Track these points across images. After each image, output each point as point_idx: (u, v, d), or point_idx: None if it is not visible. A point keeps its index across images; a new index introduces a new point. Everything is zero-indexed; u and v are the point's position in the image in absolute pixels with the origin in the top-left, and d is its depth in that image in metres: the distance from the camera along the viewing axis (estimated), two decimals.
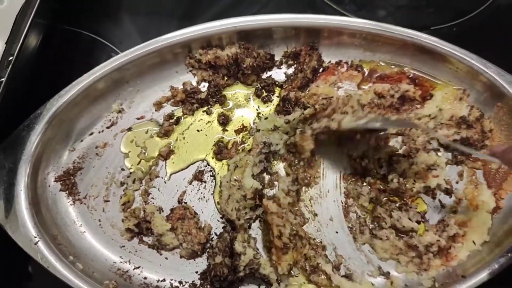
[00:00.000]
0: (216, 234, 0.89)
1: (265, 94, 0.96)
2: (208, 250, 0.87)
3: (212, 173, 0.93)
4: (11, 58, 0.82)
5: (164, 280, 0.86)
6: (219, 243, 0.85)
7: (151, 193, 0.92)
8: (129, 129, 0.95)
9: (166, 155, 0.93)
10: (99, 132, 0.94)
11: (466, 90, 0.93)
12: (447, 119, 0.91)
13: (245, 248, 0.83)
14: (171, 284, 0.86)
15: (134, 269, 0.87)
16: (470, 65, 0.89)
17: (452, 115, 0.91)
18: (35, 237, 0.82)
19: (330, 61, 0.97)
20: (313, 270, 0.85)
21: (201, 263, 0.87)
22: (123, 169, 0.93)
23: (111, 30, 1.04)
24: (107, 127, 0.95)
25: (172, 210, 0.90)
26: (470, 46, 0.88)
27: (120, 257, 0.88)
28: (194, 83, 0.97)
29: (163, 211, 0.90)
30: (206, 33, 0.91)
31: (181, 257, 0.88)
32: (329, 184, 0.91)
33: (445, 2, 1.03)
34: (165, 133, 0.94)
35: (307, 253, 0.86)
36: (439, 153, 0.90)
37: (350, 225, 0.89)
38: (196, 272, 0.86)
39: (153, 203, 0.91)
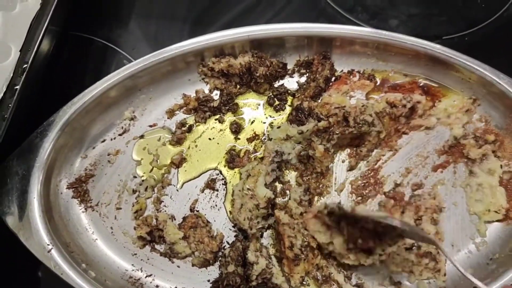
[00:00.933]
0: (228, 243, 0.89)
1: (277, 103, 0.96)
2: (220, 259, 0.88)
3: (224, 181, 0.93)
4: (25, 65, 0.82)
5: None
6: (232, 252, 0.85)
7: (163, 201, 0.92)
8: (142, 136, 0.95)
9: (178, 163, 0.93)
10: (111, 139, 0.95)
11: (477, 100, 0.93)
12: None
13: (258, 258, 0.83)
14: None
15: (146, 277, 0.87)
16: (483, 75, 0.88)
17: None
18: (48, 244, 0.82)
19: (342, 70, 0.97)
20: (325, 279, 0.86)
21: (213, 271, 0.87)
22: (135, 177, 0.93)
23: (123, 36, 1.04)
24: (119, 135, 0.95)
25: (184, 218, 0.90)
26: (482, 55, 0.89)
27: (132, 265, 0.88)
28: (207, 91, 0.97)
29: (175, 219, 0.90)
30: (219, 42, 0.91)
31: (193, 265, 0.88)
32: (341, 193, 0.92)
33: (457, 12, 1.03)
34: (178, 141, 0.94)
35: (319, 263, 0.86)
36: None
37: None
38: (208, 281, 0.87)
39: (165, 211, 0.91)
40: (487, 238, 0.89)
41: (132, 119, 0.95)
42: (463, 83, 0.92)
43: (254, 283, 0.82)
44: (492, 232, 0.89)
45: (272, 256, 0.88)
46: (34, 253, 0.81)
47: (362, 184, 0.92)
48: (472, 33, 1.01)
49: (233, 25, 0.93)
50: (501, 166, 0.89)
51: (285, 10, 1.04)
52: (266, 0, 1.05)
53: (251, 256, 0.83)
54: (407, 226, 0.74)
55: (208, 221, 0.90)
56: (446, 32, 1.00)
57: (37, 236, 0.82)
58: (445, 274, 0.85)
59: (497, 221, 0.89)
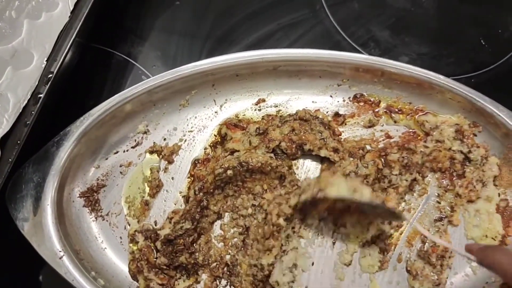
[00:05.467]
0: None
1: None
2: None
3: None
4: (50, 75, 0.85)
5: None
6: None
7: None
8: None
9: None
10: (124, 151, 0.97)
11: (476, 123, 0.96)
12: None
13: None
14: None
15: None
16: (483, 106, 0.93)
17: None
18: (60, 251, 0.84)
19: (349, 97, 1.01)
20: None
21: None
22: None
23: (144, 52, 1.08)
24: (132, 147, 0.98)
25: None
26: (487, 97, 0.93)
27: None
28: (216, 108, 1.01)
29: None
30: (235, 63, 0.95)
31: None
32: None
33: (465, 54, 1.08)
34: None
35: None
36: None
37: None
38: None
39: None
40: None
41: (145, 132, 0.98)
42: (465, 113, 0.96)
43: None
44: None
45: None
46: (45, 259, 0.83)
47: None
48: (478, 75, 1.07)
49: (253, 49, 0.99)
50: (499, 194, 0.93)
51: (300, 41, 1.09)
52: (282, 30, 1.10)
53: None
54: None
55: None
56: (453, 72, 1.05)
57: (50, 242, 0.84)
58: None
59: None
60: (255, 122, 0.99)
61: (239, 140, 0.95)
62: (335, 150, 0.93)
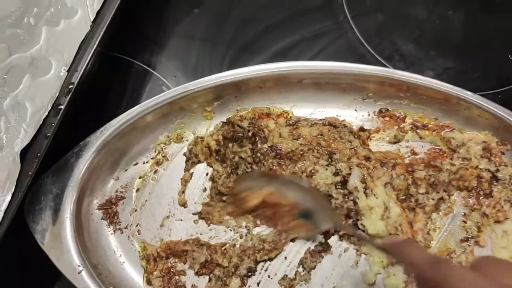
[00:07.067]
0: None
1: None
2: None
3: None
4: (71, 86, 0.84)
5: None
6: None
7: None
8: None
9: None
10: (144, 163, 0.96)
11: (504, 141, 0.93)
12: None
13: None
14: None
15: None
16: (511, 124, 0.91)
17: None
18: (79, 265, 0.82)
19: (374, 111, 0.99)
20: None
21: None
22: None
23: (163, 62, 1.06)
24: (152, 158, 0.96)
25: None
26: None
27: None
28: None
29: None
30: (259, 75, 0.93)
31: None
32: None
33: (491, 69, 1.06)
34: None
35: None
36: None
37: None
38: None
39: None
40: None
41: (166, 144, 0.96)
42: (493, 131, 0.94)
43: None
44: None
45: None
46: (64, 274, 0.81)
47: None
48: (505, 91, 1.04)
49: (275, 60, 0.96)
50: None
51: (323, 53, 1.08)
52: (305, 41, 1.08)
53: None
54: None
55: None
56: (479, 87, 1.01)
57: (68, 256, 0.82)
58: None
59: None
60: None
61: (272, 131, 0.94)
62: (367, 159, 0.91)
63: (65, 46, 0.88)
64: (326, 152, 0.90)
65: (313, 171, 0.88)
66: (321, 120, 0.96)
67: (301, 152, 0.90)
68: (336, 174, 0.88)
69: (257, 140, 0.90)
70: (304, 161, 0.89)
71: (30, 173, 0.81)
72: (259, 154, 0.89)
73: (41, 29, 0.90)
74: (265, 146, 0.89)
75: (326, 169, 0.89)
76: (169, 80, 1.05)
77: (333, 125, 0.94)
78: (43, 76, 0.86)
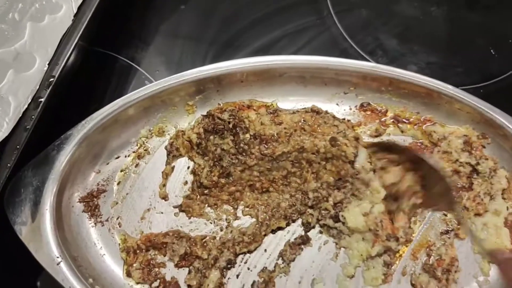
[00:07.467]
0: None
1: None
2: None
3: None
4: (51, 79, 0.84)
5: None
6: None
7: None
8: None
9: None
10: (125, 156, 0.96)
11: (485, 134, 0.94)
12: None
13: None
14: None
15: None
16: (492, 117, 0.90)
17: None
18: (57, 257, 0.82)
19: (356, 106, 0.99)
20: None
21: None
22: None
23: (147, 58, 1.07)
24: (134, 152, 0.96)
25: None
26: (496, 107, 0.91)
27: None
28: None
29: None
30: (240, 69, 0.93)
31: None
32: None
33: (474, 63, 1.07)
34: None
35: None
36: None
37: None
38: None
39: None
40: (490, 277, 0.89)
41: (147, 137, 0.97)
42: (473, 125, 0.94)
43: None
44: (495, 271, 0.89)
45: None
46: (43, 265, 0.81)
47: None
48: (487, 85, 1.05)
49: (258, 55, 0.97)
50: (507, 208, 0.91)
51: (306, 48, 1.08)
52: (288, 36, 1.09)
53: None
54: None
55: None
56: (462, 82, 1.02)
57: (47, 248, 0.82)
58: None
59: None
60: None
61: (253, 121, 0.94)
62: (357, 139, 0.91)
63: (49, 41, 0.89)
64: None
65: None
66: (303, 108, 0.96)
67: (288, 134, 0.90)
68: None
69: (238, 131, 0.90)
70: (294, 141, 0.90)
71: (9, 165, 0.81)
72: (242, 144, 0.90)
73: (26, 25, 0.91)
74: (247, 135, 0.89)
75: None
76: (152, 75, 1.05)
77: (316, 112, 0.94)
78: (27, 71, 0.87)
